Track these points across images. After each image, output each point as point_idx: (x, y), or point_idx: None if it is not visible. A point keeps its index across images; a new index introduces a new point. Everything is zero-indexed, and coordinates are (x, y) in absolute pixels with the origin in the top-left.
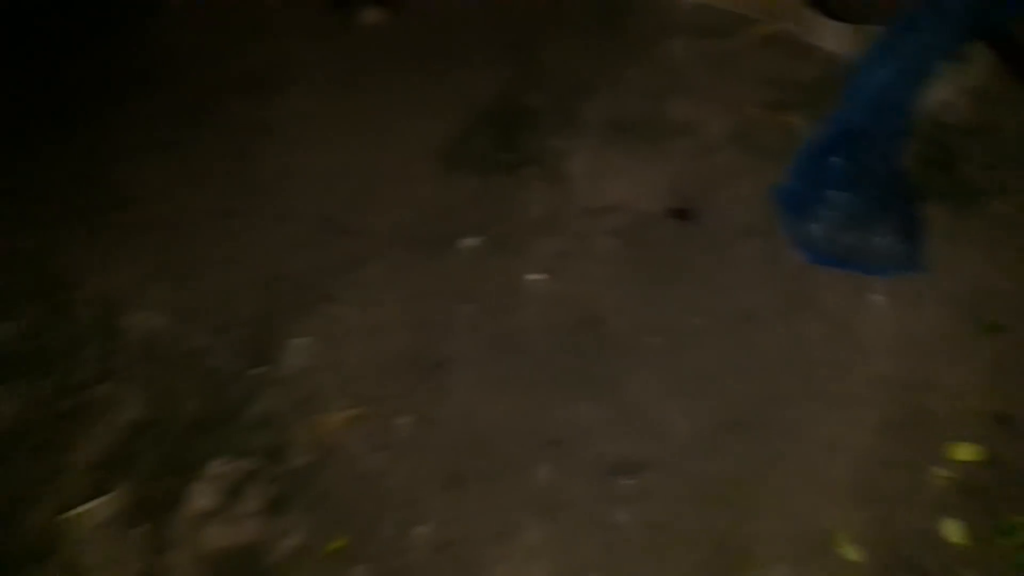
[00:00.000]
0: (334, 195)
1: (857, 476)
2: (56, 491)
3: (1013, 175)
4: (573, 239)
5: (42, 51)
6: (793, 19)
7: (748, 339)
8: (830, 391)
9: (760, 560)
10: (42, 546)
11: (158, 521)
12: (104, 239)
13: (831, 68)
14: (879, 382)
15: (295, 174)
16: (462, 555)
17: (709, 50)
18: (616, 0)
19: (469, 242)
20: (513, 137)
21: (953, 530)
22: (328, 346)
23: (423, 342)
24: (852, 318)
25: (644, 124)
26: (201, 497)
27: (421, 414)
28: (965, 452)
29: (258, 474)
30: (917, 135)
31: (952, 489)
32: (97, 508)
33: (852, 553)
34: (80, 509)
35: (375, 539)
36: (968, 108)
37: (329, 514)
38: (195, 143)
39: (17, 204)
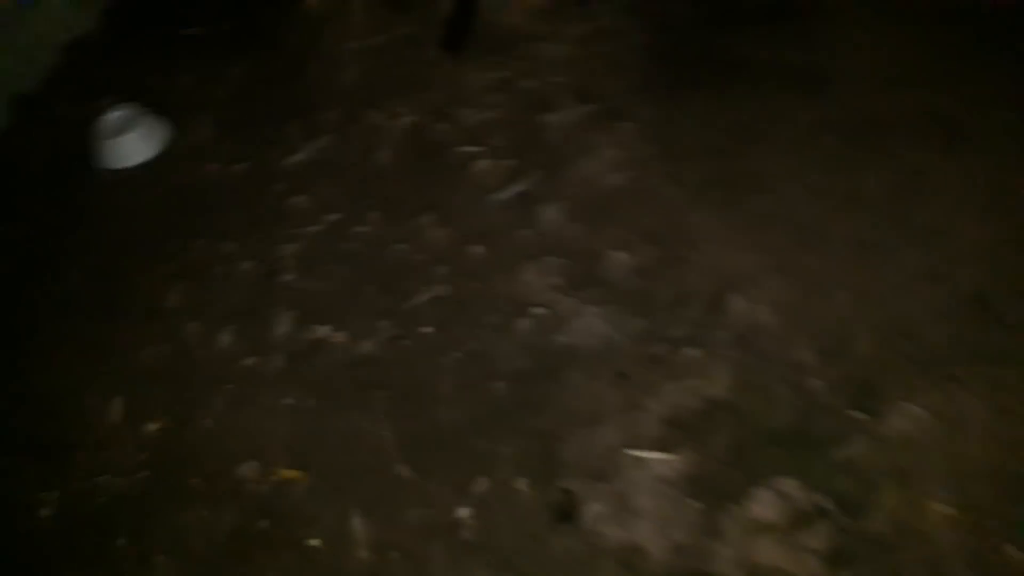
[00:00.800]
0: (996, 272)
1: None
2: (626, 423)
3: None
4: None
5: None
6: None
7: None
8: None
9: None
10: (598, 468)
11: (714, 505)
12: (733, 215)
13: None
14: None
15: (952, 236)
16: None
17: None
18: None
19: None
20: None
21: None
22: (944, 429)
23: None
24: None
25: None
26: (764, 506)
27: None
28: None
29: (828, 515)
30: None
31: None
32: (659, 462)
33: None
34: (644, 453)
35: None
36: None
37: None
38: (850, 167)
39: (672, 158)
